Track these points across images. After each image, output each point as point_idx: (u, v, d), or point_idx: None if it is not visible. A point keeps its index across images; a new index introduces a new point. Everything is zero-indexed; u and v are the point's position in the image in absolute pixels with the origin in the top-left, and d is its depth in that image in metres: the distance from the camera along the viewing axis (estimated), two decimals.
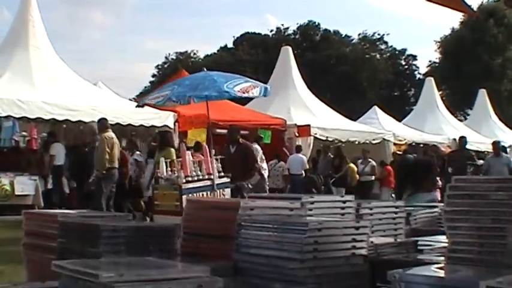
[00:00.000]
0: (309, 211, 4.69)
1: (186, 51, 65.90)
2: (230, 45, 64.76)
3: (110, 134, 15.34)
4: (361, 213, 5.15)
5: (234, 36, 65.50)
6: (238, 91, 13.38)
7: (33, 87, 19.45)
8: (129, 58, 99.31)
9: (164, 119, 21.29)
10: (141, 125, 20.95)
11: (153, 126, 21.12)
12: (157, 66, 66.32)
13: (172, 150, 16.23)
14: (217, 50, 64.20)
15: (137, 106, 16.28)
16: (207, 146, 13.82)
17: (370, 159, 23.82)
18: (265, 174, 20.41)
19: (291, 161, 22.84)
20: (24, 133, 22.56)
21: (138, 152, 18.28)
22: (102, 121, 15.89)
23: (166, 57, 65.73)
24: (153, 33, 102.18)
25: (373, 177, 23.65)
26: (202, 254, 4.50)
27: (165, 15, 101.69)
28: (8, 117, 18.59)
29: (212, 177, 13.07)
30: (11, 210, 16.69)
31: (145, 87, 63.96)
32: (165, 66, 64.71)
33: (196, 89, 13.73)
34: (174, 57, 64.93)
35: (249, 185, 14.28)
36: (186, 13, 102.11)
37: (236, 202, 4.59)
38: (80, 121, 19.81)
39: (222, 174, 13.56)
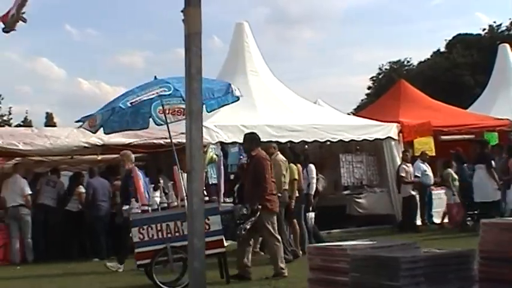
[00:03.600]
0: None
1: (399, 60, 65.03)
2: (443, 49, 63.18)
3: (282, 157, 14.83)
4: None
5: (445, 40, 63.89)
6: (132, 102, 11.75)
7: (256, 112, 19.64)
8: (342, 72, 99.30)
9: (388, 130, 20.90)
10: (364, 139, 20.65)
11: (377, 139, 20.76)
12: (371, 78, 65.86)
13: (294, 167, 15.44)
14: (431, 56, 62.83)
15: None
16: (176, 168, 12.14)
17: None
18: None
19: None
20: None
21: None
22: (272, 144, 15.63)
23: (380, 68, 65.10)
24: (363, 44, 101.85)
25: None
26: (503, 280, 4.07)
27: (373, 25, 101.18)
28: (233, 143, 18.83)
29: (185, 203, 11.49)
30: None
31: (361, 100, 63.71)
32: (380, 77, 64.16)
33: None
34: (388, 67, 64.24)
35: (244, 210, 11.90)
36: (393, 21, 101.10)
37: None
38: (302, 141, 19.80)
39: (206, 198, 11.57)
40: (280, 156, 14.70)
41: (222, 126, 18.26)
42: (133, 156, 14.55)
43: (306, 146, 20.64)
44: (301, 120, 19.94)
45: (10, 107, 58.12)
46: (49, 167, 19.31)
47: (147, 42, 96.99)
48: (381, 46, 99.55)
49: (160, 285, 11.37)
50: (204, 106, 12.07)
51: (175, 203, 15.43)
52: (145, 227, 11.33)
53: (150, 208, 11.66)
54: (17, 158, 18.20)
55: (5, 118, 56.18)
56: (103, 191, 17.43)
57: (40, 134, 17.02)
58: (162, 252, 11.38)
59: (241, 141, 18.47)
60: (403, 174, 20.09)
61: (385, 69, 64.50)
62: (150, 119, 13.09)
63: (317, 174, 16.99)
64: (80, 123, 12.98)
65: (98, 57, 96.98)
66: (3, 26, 6.81)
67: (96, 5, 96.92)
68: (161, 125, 12.69)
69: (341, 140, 20.28)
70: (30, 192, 16.90)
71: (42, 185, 17.74)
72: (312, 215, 16.46)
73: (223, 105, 12.87)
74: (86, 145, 16.79)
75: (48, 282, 12.81)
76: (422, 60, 62.84)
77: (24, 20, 6.08)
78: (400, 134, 21.26)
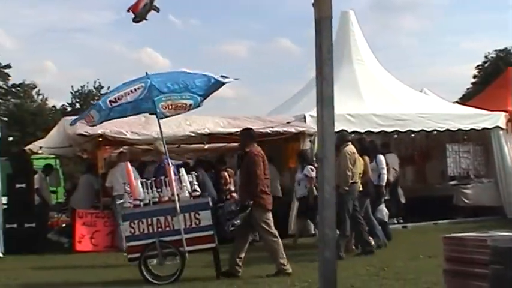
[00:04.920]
0: None
1: (506, 48, 63.39)
2: None
3: (351, 148, 14.29)
4: None
5: None
6: (110, 101, 11.77)
7: (362, 101, 19.46)
8: (447, 61, 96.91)
9: (496, 120, 20.39)
10: (472, 129, 20.20)
11: (485, 128, 20.29)
12: (477, 67, 64.33)
13: (362, 160, 14.72)
14: None
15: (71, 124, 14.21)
16: (170, 162, 12.23)
17: None
18: None
19: None
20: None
21: (309, 167, 16.92)
22: (342, 134, 15.18)
23: (486, 57, 63.50)
24: (468, 32, 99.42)
25: None
26: None
27: (479, 12, 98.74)
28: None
29: (175, 198, 11.47)
30: None
31: (467, 89, 62.33)
32: (486, 65, 62.63)
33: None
34: (494, 55, 62.63)
35: (232, 207, 12.11)
36: (499, 8, 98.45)
37: None
38: (409, 130, 19.55)
39: (198, 193, 11.83)
40: (349, 148, 14.24)
41: None
42: (162, 148, 14.42)
43: (413, 135, 20.40)
44: (408, 109, 19.66)
45: None
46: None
47: (251, 31, 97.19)
48: (487, 34, 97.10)
49: (150, 279, 11.42)
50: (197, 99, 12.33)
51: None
52: (136, 221, 11.48)
53: (142, 203, 11.63)
54: (125, 147, 18.49)
55: None
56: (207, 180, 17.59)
57: (148, 122, 17.18)
58: (151, 247, 11.46)
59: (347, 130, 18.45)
60: None
61: (491, 57, 62.88)
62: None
63: (387, 165, 16.55)
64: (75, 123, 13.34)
65: (201, 47, 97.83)
66: (133, 16, 6.82)
67: None
68: (162, 118, 12.47)
69: (448, 130, 19.90)
70: None
71: (150, 173, 17.89)
72: (383, 207, 16.02)
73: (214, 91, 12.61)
74: (193, 134, 16.90)
75: None
76: None
77: (157, 9, 6.06)
78: (509, 124, 20.72)
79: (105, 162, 18.34)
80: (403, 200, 19.43)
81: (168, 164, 12.10)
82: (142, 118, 17.28)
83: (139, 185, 11.83)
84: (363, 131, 18.46)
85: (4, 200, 17.64)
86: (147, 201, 11.63)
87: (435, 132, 19.98)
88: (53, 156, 22.94)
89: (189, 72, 12.63)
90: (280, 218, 17.40)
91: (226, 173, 18.25)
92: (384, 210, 16.00)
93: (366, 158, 15.11)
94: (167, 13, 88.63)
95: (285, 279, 11.22)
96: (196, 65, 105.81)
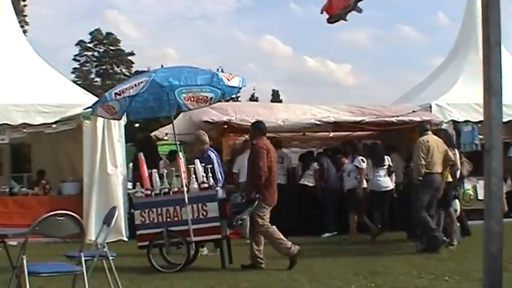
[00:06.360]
0: None
1: None
2: None
3: (427, 137, 13.65)
4: None
5: None
6: (115, 93, 12.27)
7: None
8: None
9: None
10: None
11: None
12: None
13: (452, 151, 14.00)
14: None
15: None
16: (180, 154, 12.62)
17: None
18: None
19: None
20: (481, 136, 22.19)
21: (360, 157, 16.33)
22: (422, 124, 14.63)
23: None
24: None
25: None
26: None
27: None
28: (466, 122, 18.33)
29: (184, 189, 11.74)
30: (474, 214, 16.25)
31: None
32: None
33: None
34: None
35: (238, 199, 11.82)
36: None
37: None
38: None
39: (206, 185, 11.86)
40: (425, 137, 13.69)
41: (455, 104, 17.86)
42: (205, 137, 14.22)
43: None
44: None
45: None
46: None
47: (372, 18, 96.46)
48: None
49: (157, 267, 11.69)
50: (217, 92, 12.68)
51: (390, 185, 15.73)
52: (146, 211, 11.89)
53: (152, 193, 11.97)
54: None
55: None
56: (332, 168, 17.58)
57: (273, 110, 17.23)
58: (160, 236, 11.79)
59: (474, 120, 18.06)
60: None
61: None
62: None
63: (461, 158, 15.85)
64: (91, 111, 13.68)
65: (323, 34, 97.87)
66: (327, 17, 6.70)
67: None
68: (186, 111, 13.36)
69: None
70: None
71: None
72: (456, 201, 15.29)
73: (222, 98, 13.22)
74: (318, 122, 16.85)
75: (281, 258, 12.69)
76: None
77: (360, 10, 5.94)
78: None
79: (230, 150, 18.49)
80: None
81: (178, 155, 12.59)
82: (267, 106, 17.36)
83: (155, 176, 12.19)
84: None
85: (129, 185, 18.01)
86: (158, 192, 12.00)
87: None
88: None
89: (193, 68, 13.02)
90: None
91: (346, 160, 18.05)
92: (456, 204, 15.35)
93: (455, 150, 14.68)
94: (288, 1, 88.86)
95: (411, 271, 11.05)
96: (317, 53, 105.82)
